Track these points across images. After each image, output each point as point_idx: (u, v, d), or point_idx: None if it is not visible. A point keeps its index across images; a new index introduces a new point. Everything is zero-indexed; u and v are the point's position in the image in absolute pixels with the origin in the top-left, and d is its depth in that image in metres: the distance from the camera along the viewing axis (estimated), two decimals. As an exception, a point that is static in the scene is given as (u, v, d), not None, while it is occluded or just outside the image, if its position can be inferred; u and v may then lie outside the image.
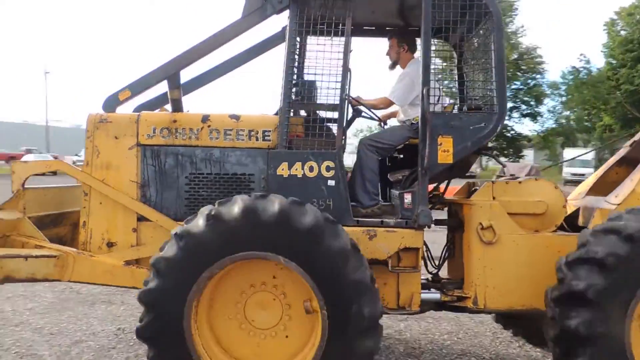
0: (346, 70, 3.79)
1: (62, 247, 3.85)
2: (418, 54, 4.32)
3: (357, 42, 4.73)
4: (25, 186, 3.98)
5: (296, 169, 3.73)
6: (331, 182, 3.72)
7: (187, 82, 4.34)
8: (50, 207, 4.22)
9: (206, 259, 3.18)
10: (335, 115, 3.81)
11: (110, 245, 3.91)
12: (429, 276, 4.40)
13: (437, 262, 4.42)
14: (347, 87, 3.84)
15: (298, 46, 3.98)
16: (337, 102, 3.76)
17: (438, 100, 3.92)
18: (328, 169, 3.72)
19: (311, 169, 3.72)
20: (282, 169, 3.73)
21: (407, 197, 3.74)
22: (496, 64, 3.74)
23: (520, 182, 3.95)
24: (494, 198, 3.88)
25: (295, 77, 3.89)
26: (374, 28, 4.68)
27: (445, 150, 3.67)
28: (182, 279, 3.17)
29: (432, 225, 3.79)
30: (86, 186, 3.93)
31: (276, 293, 3.39)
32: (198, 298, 3.25)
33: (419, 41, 4.24)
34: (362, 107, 4.29)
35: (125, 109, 4.22)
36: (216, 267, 3.19)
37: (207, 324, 3.37)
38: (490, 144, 4.29)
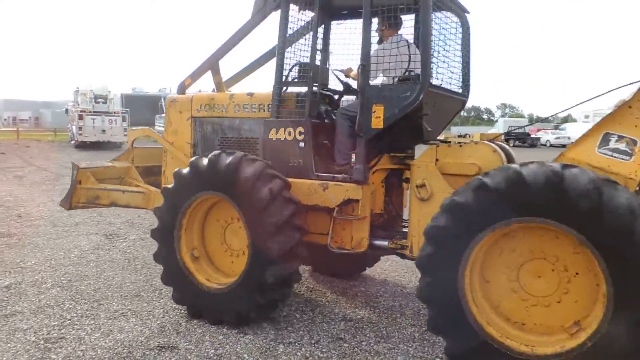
0: (314, 52, 4.65)
1: (149, 186, 5.76)
2: (402, 31, 4.80)
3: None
4: (134, 145, 6.04)
5: (280, 134, 4.81)
6: (302, 144, 4.68)
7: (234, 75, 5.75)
8: (153, 161, 6.21)
9: (200, 183, 4.45)
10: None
11: None
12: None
13: None
14: (313, 66, 4.68)
15: (288, 35, 4.94)
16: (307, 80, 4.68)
17: (405, 73, 4.44)
18: (300, 133, 4.69)
19: (289, 133, 4.75)
20: (272, 134, 4.85)
21: (353, 157, 4.44)
22: (422, 38, 4.09)
23: (461, 145, 4.20)
24: (437, 160, 4.26)
25: (284, 61, 4.88)
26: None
27: (377, 117, 4.23)
28: (186, 192, 4.51)
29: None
30: (164, 147, 5.74)
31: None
32: (195, 203, 4.52)
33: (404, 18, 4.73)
34: (350, 81, 5.03)
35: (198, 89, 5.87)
36: (204, 193, 4.46)
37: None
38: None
